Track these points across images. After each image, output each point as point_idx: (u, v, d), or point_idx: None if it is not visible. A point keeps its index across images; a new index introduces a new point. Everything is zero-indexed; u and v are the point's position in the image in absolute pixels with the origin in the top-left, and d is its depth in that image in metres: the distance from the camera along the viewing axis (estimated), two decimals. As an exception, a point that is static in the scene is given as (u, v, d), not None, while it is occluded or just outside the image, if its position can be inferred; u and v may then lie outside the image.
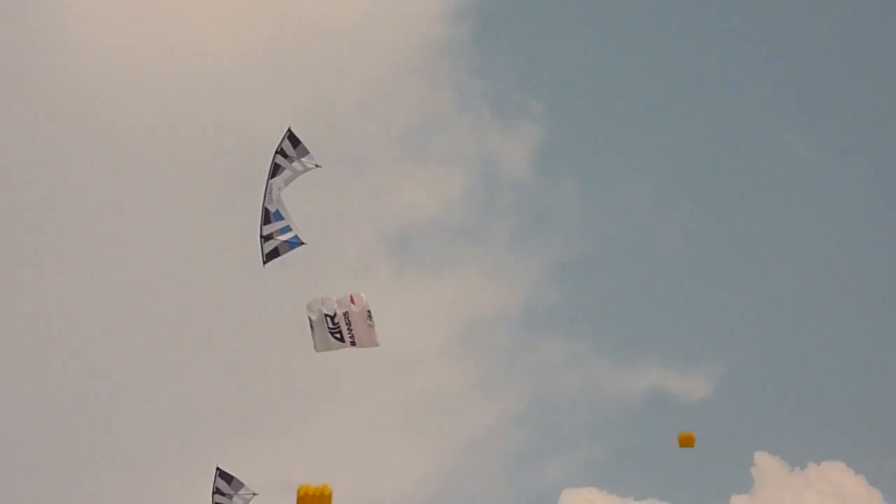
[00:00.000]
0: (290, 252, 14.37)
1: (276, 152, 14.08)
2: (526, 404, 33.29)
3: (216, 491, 17.87)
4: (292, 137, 14.07)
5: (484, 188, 36.33)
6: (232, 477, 17.97)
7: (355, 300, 14.71)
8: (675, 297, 37.47)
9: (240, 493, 18.01)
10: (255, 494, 18.06)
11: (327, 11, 34.79)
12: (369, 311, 14.78)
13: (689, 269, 37.79)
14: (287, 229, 14.24)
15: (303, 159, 14.04)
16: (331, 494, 15.14)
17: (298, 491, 15.22)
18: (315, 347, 14.95)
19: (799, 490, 30.68)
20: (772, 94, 40.42)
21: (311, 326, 14.80)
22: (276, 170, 14.09)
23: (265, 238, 14.20)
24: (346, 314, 14.74)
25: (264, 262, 14.27)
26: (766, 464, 31.04)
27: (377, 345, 15.06)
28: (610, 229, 37.51)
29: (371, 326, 14.80)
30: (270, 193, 14.09)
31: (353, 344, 14.88)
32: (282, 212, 14.23)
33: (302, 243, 14.27)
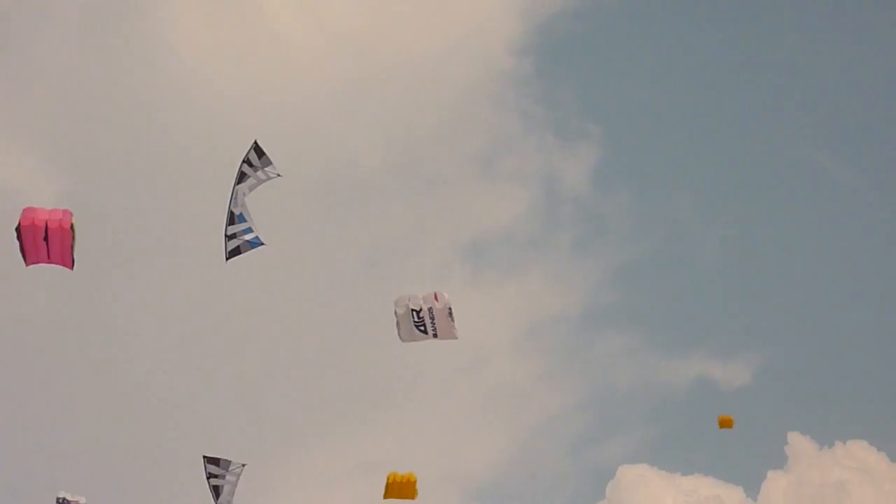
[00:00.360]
0: (252, 251, 15.56)
1: (243, 161, 15.14)
2: (585, 393, 37.22)
3: (210, 476, 18.44)
4: (258, 149, 15.35)
5: (547, 203, 40.78)
6: (219, 458, 18.52)
7: (438, 298, 16.29)
8: (716, 297, 41.26)
9: (230, 469, 18.51)
10: (243, 465, 18.51)
11: (409, 48, 39.02)
12: (450, 308, 16.35)
13: (728, 271, 41.80)
14: (249, 230, 15.37)
15: (266, 169, 15.16)
16: (416, 481, 16.77)
17: (388, 478, 16.87)
18: (401, 338, 16.58)
19: (828, 466, 32.73)
20: (802, 116, 43.27)
21: (398, 320, 16.43)
22: (241, 177, 15.22)
23: (229, 237, 15.43)
24: (430, 310, 16.34)
25: (227, 258, 15.69)
26: (798, 443, 33.15)
27: (456, 338, 16.66)
28: (658, 238, 41.95)
29: (451, 321, 16.42)
30: (236, 198, 15.29)
31: (434, 336, 16.50)
32: (245, 215, 15.43)
33: (262, 244, 15.59)
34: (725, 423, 24.24)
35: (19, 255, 14.32)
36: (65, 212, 14.61)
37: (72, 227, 14.54)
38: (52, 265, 14.56)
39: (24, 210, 14.52)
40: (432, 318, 16.36)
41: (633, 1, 43.46)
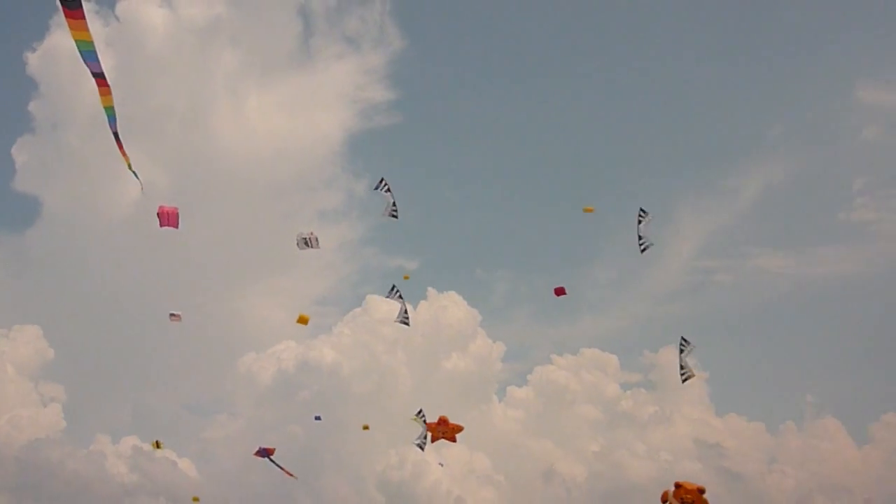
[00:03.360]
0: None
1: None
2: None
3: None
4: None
5: (349, 199, 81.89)
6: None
7: (314, 232, 38.05)
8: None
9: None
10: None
11: (300, 139, 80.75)
12: (317, 237, 38.22)
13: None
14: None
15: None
16: (308, 318, 38.94)
17: (299, 315, 38.44)
18: (298, 247, 37.89)
19: (444, 303, 63.48)
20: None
21: (297, 241, 37.58)
22: None
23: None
24: (309, 238, 38.05)
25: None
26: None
27: (319, 248, 38.67)
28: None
29: (318, 242, 38.40)
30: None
31: (312, 247, 38.32)
32: None
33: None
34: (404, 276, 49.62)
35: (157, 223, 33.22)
36: (174, 207, 33.56)
37: (177, 213, 33.65)
38: (170, 227, 33.41)
39: (159, 206, 33.18)
40: (311, 240, 38.13)
41: (400, 126, 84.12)
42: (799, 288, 76.59)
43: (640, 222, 27.07)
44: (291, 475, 40.64)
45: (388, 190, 30.37)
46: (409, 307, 60.97)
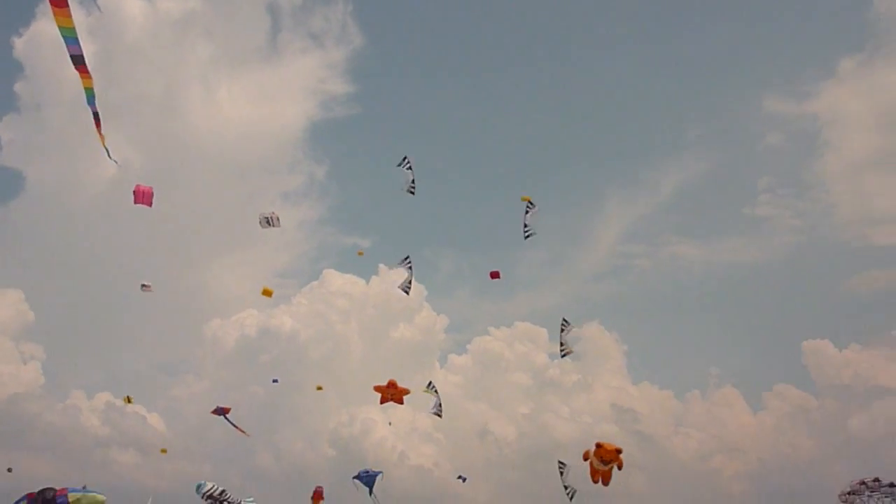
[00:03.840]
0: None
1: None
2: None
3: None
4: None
5: (309, 182, 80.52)
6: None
7: (274, 213, 40.90)
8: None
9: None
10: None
11: (265, 126, 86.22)
12: (278, 217, 41.09)
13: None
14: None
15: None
16: (272, 291, 41.94)
17: (263, 289, 41.45)
18: (261, 226, 40.72)
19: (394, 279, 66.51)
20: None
21: (259, 220, 40.46)
22: None
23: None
24: (270, 218, 40.90)
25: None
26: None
27: (280, 227, 41.55)
28: (347, 194, 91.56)
29: (278, 221, 41.25)
30: None
31: (273, 226, 41.19)
32: None
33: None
34: (359, 252, 52.81)
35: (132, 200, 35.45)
36: (149, 187, 35.90)
37: (152, 192, 36.00)
38: (144, 205, 35.74)
39: (136, 185, 35.46)
40: (273, 219, 40.91)
41: (357, 117, 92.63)
42: (707, 273, 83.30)
43: (527, 212, 30.48)
44: (244, 433, 43.85)
45: (410, 167, 31.19)
46: (362, 281, 63.55)
